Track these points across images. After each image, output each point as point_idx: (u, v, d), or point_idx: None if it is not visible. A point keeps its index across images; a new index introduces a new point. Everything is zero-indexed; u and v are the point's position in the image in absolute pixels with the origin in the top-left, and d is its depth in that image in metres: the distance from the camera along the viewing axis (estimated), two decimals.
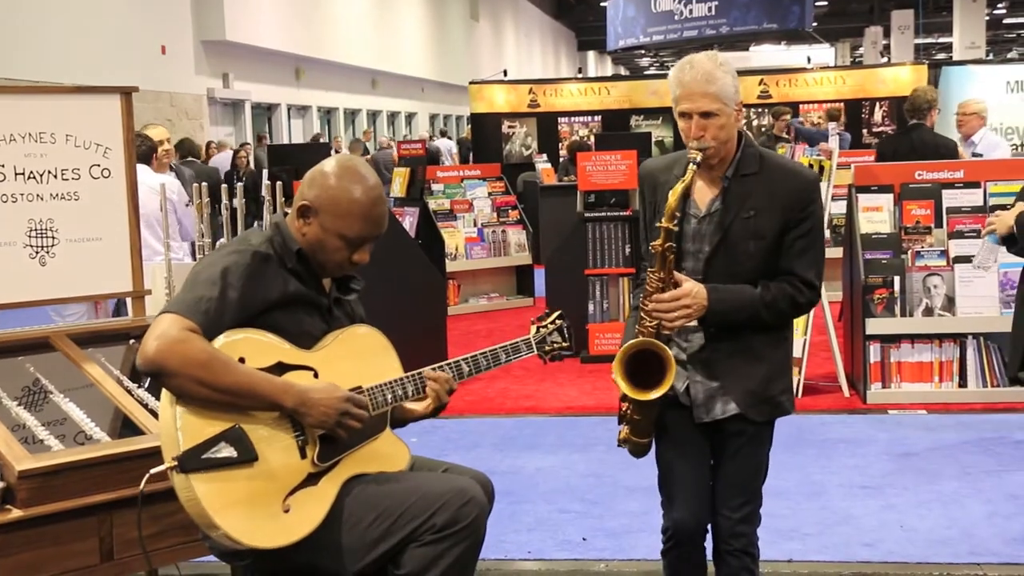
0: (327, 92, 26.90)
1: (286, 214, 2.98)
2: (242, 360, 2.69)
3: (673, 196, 2.95)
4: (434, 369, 3.04)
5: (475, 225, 11.14)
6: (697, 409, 3.13)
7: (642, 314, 3.04)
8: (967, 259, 6.59)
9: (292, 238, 2.88)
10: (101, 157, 3.97)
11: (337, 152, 19.56)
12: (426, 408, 3.07)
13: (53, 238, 3.87)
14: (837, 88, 16.48)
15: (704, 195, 3.08)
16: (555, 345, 3.28)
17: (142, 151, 6.73)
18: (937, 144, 7.95)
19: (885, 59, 30.88)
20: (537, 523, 4.92)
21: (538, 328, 3.28)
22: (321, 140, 22.31)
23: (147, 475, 2.74)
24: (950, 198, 6.84)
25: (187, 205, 6.68)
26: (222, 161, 16.78)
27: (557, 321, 3.30)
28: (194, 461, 2.62)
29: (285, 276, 2.84)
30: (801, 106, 15.85)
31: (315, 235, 2.87)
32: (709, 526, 3.25)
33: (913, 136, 8.04)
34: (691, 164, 2.96)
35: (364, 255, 2.92)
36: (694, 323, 3.05)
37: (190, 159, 11.52)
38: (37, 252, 3.85)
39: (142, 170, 6.46)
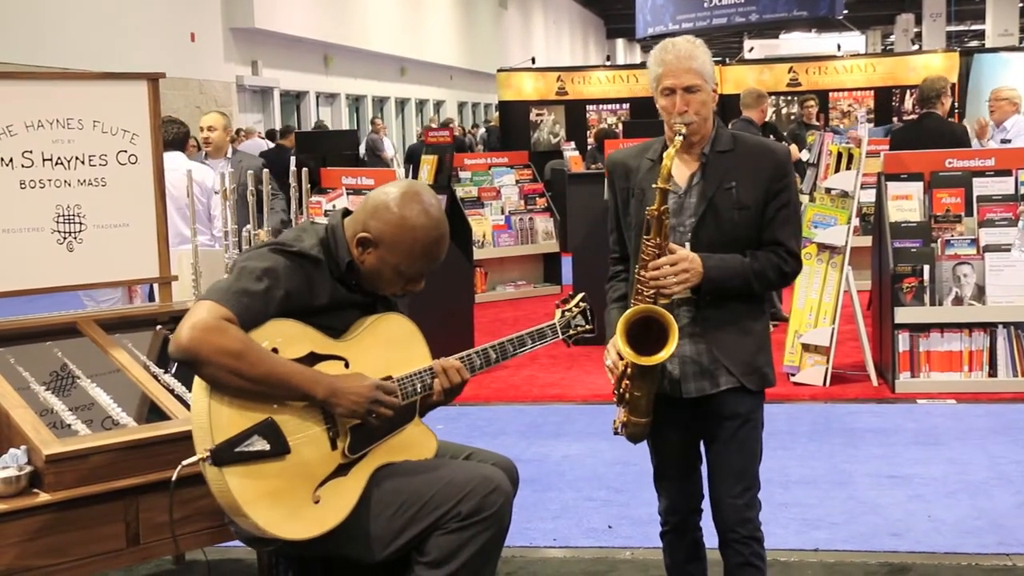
0: (355, 79, 26.92)
1: (347, 212, 2.96)
2: (275, 350, 2.70)
3: (668, 158, 2.96)
4: (459, 358, 3.02)
5: (503, 213, 11.14)
6: (686, 384, 3.12)
7: (638, 284, 3.04)
8: (997, 247, 6.53)
9: (346, 247, 2.87)
10: (128, 143, 3.99)
11: (376, 135, 19.58)
12: (435, 402, 3.03)
13: (80, 224, 3.90)
14: (867, 76, 16.34)
15: (682, 172, 3.12)
16: (579, 328, 3.27)
17: (177, 137, 6.77)
18: (944, 131, 7.87)
19: (916, 47, 30.59)
20: (563, 511, 4.92)
21: (563, 312, 3.27)
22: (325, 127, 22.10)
23: (179, 467, 2.74)
24: (981, 186, 6.78)
25: (217, 193, 6.69)
26: (251, 148, 16.80)
27: (581, 304, 3.29)
28: (227, 454, 2.63)
29: (333, 282, 2.84)
30: (831, 94, 15.73)
31: (372, 265, 2.87)
32: (710, 511, 3.25)
33: (924, 125, 7.97)
34: (678, 136, 2.99)
35: (419, 284, 2.94)
36: (686, 294, 3.06)
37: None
38: (65, 238, 3.88)
39: (175, 156, 6.53)
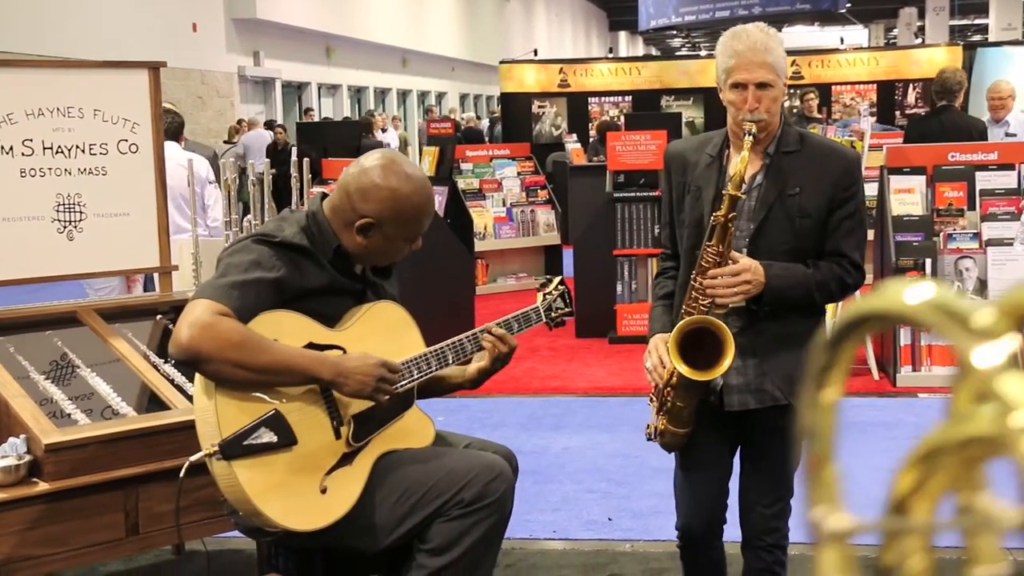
0: (357, 71, 26.88)
1: (324, 196, 2.95)
2: (275, 341, 2.68)
3: (742, 163, 2.78)
4: (452, 344, 3.02)
5: (504, 205, 11.12)
6: (729, 396, 2.96)
7: (693, 292, 2.87)
8: (1000, 242, 6.52)
9: (331, 232, 2.85)
10: (129, 132, 3.98)
11: (382, 129, 19.56)
12: (482, 367, 3.06)
13: (81, 213, 3.88)
14: (870, 69, 16.30)
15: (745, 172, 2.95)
16: (559, 311, 3.27)
17: (171, 127, 6.75)
18: (967, 125, 7.83)
19: (919, 40, 30.54)
20: (563, 503, 4.91)
21: (544, 296, 3.27)
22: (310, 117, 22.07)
23: (187, 462, 2.73)
24: (984, 180, 6.76)
25: (211, 183, 6.69)
26: (254, 139, 16.80)
27: (559, 287, 3.29)
28: (236, 448, 2.62)
29: (319, 267, 2.83)
30: (833, 87, 15.70)
31: (378, 245, 2.87)
32: (738, 518, 3.15)
33: (943, 118, 7.93)
34: (747, 136, 2.80)
35: (419, 242, 2.95)
36: (741, 303, 2.90)
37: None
38: (65, 227, 3.86)
39: (171, 146, 6.51)
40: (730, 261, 2.84)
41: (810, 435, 0.78)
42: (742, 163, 2.79)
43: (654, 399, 3.02)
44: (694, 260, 2.91)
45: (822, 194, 2.91)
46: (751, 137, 2.80)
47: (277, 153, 14.19)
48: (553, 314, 3.25)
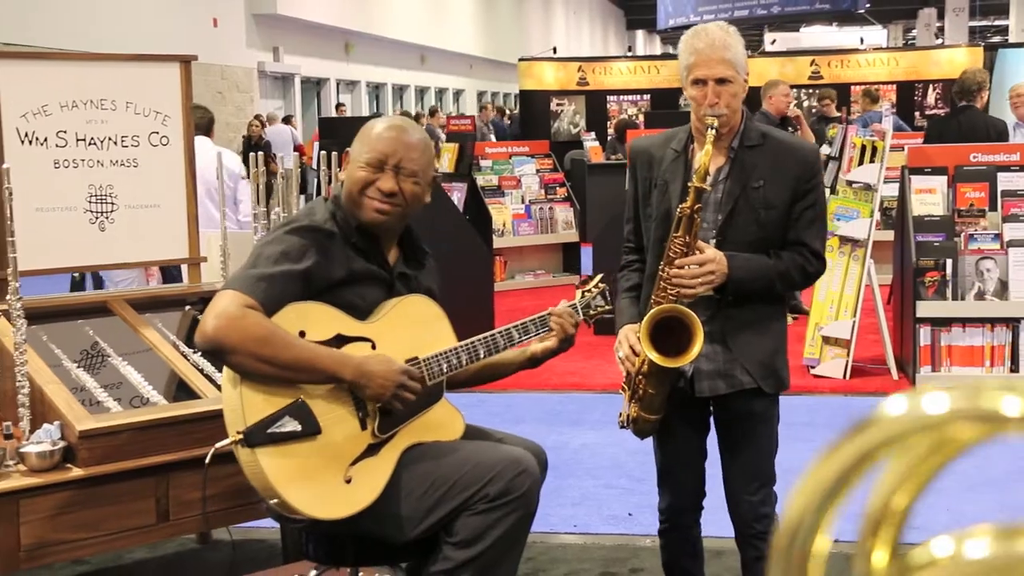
0: (376, 67, 26.96)
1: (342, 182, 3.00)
2: (302, 334, 2.71)
3: (705, 156, 2.86)
4: (483, 338, 3.04)
5: (523, 202, 11.16)
6: (700, 383, 3.08)
7: (662, 282, 2.97)
8: (1021, 243, 6.52)
9: (351, 213, 2.89)
10: (160, 125, 4.02)
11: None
12: (546, 349, 3.12)
13: (112, 204, 3.92)
14: (890, 70, 16.25)
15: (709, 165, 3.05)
16: (599, 309, 3.26)
17: (203, 122, 6.86)
18: (988, 126, 7.82)
19: (939, 41, 30.45)
20: (583, 498, 4.94)
21: (583, 293, 3.27)
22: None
23: (213, 449, 2.78)
24: (1005, 181, 6.75)
25: (244, 179, 6.77)
26: (274, 134, 16.87)
27: (600, 285, 3.28)
28: (259, 435, 2.65)
29: (349, 253, 2.85)
30: (852, 87, 15.66)
31: (348, 175, 2.90)
32: (726, 507, 3.25)
33: (962, 118, 7.92)
34: (710, 130, 2.89)
35: (386, 181, 2.85)
36: (707, 292, 3.01)
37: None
38: (97, 217, 3.90)
39: (203, 141, 6.60)
40: (696, 251, 2.95)
41: None
42: (705, 156, 2.87)
43: (626, 388, 3.11)
44: (662, 252, 3.00)
45: (785, 186, 3.03)
46: (713, 131, 2.90)
47: (250, 148, 14.01)
48: (592, 311, 3.25)
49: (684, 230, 2.93)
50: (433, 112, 21.20)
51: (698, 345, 2.90)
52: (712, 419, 3.21)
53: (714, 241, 3.01)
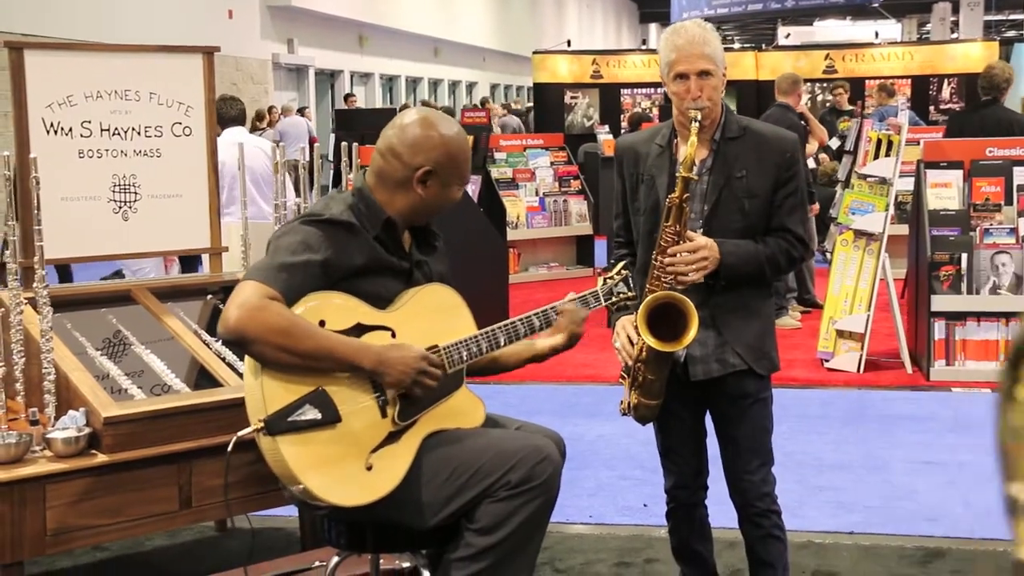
0: (390, 60, 26.97)
1: (364, 170, 3.02)
2: (322, 323, 2.73)
3: (691, 147, 2.97)
4: (504, 326, 3.05)
5: (537, 194, 11.17)
6: (693, 367, 3.17)
7: (655, 270, 3.06)
8: None
9: (379, 207, 2.90)
10: (183, 115, 4.04)
11: None
12: (554, 345, 3.13)
13: (136, 193, 3.95)
14: (905, 64, 16.19)
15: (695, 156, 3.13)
16: (621, 295, 3.23)
17: (240, 113, 7.02)
18: (1011, 121, 7.76)
19: (955, 35, 30.28)
20: (598, 489, 4.97)
21: (604, 280, 3.25)
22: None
23: (234, 438, 2.79)
24: (1022, 175, 6.76)
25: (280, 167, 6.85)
26: (290, 125, 16.90)
27: (623, 271, 3.26)
28: (280, 424, 2.68)
29: (369, 243, 2.86)
30: (867, 82, 15.61)
31: (436, 194, 2.93)
32: (727, 490, 3.33)
33: (985, 113, 7.89)
34: (694, 123, 2.99)
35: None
36: (700, 280, 3.10)
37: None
38: (120, 207, 3.93)
39: (240, 131, 6.74)
40: (687, 240, 3.04)
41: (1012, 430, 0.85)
42: (691, 147, 2.97)
43: (625, 376, 3.20)
44: (653, 243, 3.11)
45: (766, 175, 3.14)
46: (698, 124, 2.99)
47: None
48: (615, 298, 3.22)
49: (674, 219, 3.03)
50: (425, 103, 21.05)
51: (694, 329, 2.98)
52: (708, 406, 3.31)
53: (701, 230, 3.10)
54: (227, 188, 5.97)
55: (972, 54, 15.83)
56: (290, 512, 3.87)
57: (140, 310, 3.81)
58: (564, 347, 3.14)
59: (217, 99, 7.30)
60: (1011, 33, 35.55)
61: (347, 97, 22.12)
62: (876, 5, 27.75)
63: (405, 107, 20.27)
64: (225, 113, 6.66)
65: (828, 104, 12.92)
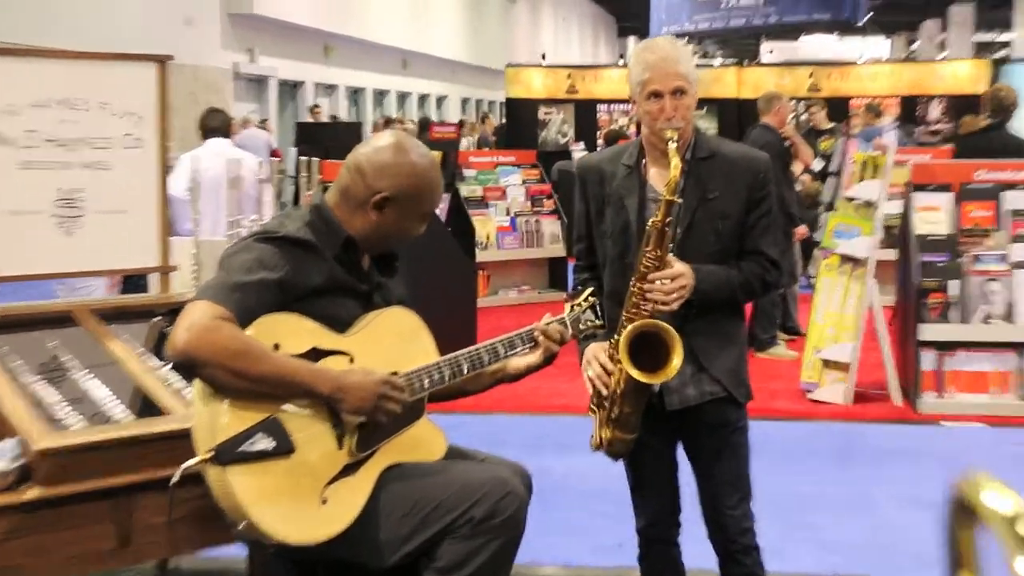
0: (356, 71, 26.66)
1: (325, 188, 2.85)
2: (276, 346, 2.61)
3: (675, 169, 2.87)
4: (468, 353, 2.95)
5: (508, 214, 10.91)
6: (669, 396, 3.06)
7: (634, 297, 2.94)
8: None
9: (338, 225, 2.80)
10: (133, 126, 3.91)
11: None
12: (529, 365, 3.06)
13: (81, 209, 3.79)
14: (892, 83, 16.06)
15: (662, 179, 3.02)
16: (589, 324, 3.13)
17: (222, 124, 7.01)
18: (1016, 145, 7.48)
19: (944, 53, 30.31)
20: (569, 528, 4.78)
21: (572, 307, 3.14)
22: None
23: (181, 468, 2.63)
24: (1013, 200, 6.59)
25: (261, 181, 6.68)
26: (249, 138, 16.56)
27: (590, 299, 3.15)
28: (230, 453, 2.54)
29: (327, 263, 2.76)
30: (851, 101, 15.45)
31: (391, 223, 2.83)
32: (705, 528, 3.22)
33: (1004, 135, 7.56)
34: (671, 144, 2.89)
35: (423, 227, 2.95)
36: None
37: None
38: (63, 222, 3.77)
39: (222, 143, 6.78)
40: (667, 265, 2.94)
41: None
42: (675, 170, 2.88)
43: (595, 409, 3.08)
44: (622, 268, 3.04)
45: (738, 197, 3.05)
46: (675, 145, 2.90)
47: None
48: (582, 326, 3.12)
49: (655, 244, 2.93)
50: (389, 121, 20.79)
51: (677, 358, 2.88)
52: (682, 438, 3.20)
53: (672, 255, 3.00)
54: (213, 199, 5.82)
55: (960, 73, 15.74)
56: (238, 552, 3.64)
57: (81, 332, 3.62)
58: (539, 366, 3.06)
59: (203, 111, 7.22)
60: (1001, 53, 35.67)
61: (312, 108, 21.85)
62: (861, 24, 27.77)
63: (388, 122, 20.14)
64: (208, 124, 6.68)
65: (809, 124, 12.77)
